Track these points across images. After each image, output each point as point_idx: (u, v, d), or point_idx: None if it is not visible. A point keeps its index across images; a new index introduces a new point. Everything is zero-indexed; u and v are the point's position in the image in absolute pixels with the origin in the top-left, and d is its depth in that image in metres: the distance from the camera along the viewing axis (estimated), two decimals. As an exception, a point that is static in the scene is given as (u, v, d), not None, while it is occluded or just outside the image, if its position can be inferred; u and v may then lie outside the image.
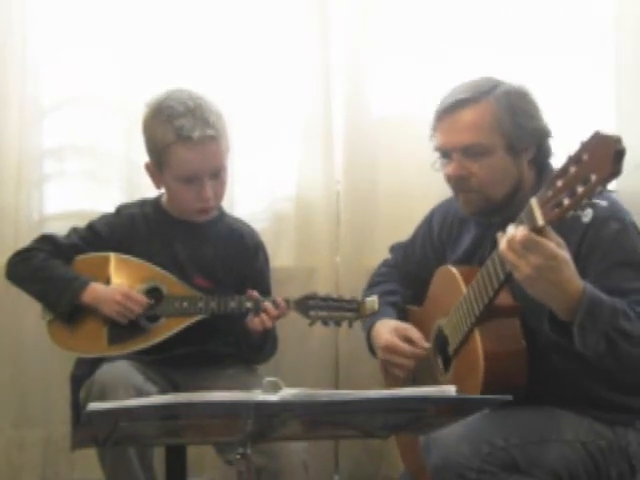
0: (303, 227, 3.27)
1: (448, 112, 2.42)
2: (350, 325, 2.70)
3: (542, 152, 2.44)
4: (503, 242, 2.10)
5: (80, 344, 2.72)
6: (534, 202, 2.04)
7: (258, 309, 2.66)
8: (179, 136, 2.62)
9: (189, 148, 2.63)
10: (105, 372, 2.54)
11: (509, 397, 1.89)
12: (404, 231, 2.99)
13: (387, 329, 2.62)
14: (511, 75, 3.02)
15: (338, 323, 2.69)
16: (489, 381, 2.29)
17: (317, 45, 3.23)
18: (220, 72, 3.21)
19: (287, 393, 1.72)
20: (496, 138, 2.38)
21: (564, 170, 1.96)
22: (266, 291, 2.79)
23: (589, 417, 2.33)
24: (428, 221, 2.75)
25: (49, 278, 2.72)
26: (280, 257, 3.19)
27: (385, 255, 2.96)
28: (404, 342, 2.57)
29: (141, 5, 3.21)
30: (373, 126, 3.25)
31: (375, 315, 2.67)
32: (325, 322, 2.69)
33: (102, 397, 2.44)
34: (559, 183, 1.97)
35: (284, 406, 1.72)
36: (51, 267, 2.73)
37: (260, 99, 3.24)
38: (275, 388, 1.73)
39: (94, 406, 1.69)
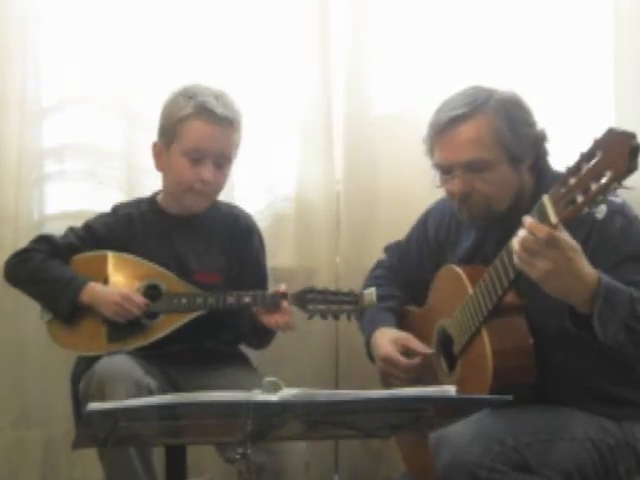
0: (303, 227, 3.26)
1: (445, 129, 2.38)
2: (349, 318, 2.70)
3: (540, 156, 2.43)
4: (516, 243, 2.08)
5: (79, 342, 2.72)
6: (547, 199, 2.03)
7: (256, 304, 2.66)
8: (200, 108, 2.67)
9: (206, 122, 2.68)
10: (104, 365, 2.54)
11: (509, 397, 1.90)
12: (404, 231, 2.99)
13: (387, 339, 2.61)
14: (510, 74, 3.04)
15: (336, 316, 2.69)
16: (498, 379, 2.29)
17: (317, 44, 3.23)
18: (219, 71, 3.20)
19: (287, 393, 1.72)
20: (497, 151, 2.36)
21: (577, 167, 1.95)
22: (263, 277, 2.82)
23: (597, 415, 2.33)
24: (423, 223, 2.74)
25: (47, 279, 2.72)
26: (280, 257, 3.19)
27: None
28: (403, 354, 2.56)
29: (141, 5, 3.21)
30: (373, 126, 3.25)
31: (374, 323, 2.66)
32: (323, 315, 2.69)
33: (101, 389, 2.45)
34: (572, 180, 1.95)
35: (284, 406, 1.73)
36: (49, 268, 2.73)
37: (260, 99, 3.24)
38: (275, 388, 1.73)
39: (94, 406, 1.69)
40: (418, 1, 3.21)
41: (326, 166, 3.26)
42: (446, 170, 2.42)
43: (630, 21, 3.15)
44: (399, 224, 3.19)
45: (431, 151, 2.45)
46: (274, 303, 2.66)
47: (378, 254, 3.06)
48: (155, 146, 2.77)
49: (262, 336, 2.80)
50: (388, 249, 2.88)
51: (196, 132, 2.68)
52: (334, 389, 3.08)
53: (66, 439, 2.79)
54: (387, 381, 2.66)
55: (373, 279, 2.84)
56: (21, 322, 3.18)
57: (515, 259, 2.11)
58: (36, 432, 3.27)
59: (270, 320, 2.67)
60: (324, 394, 1.75)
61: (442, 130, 2.39)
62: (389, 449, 3.14)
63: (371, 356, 2.70)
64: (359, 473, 3.29)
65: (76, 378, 2.67)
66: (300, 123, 3.26)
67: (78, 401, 2.61)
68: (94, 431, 1.80)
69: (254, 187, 3.28)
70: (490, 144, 2.36)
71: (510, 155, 2.37)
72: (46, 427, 3.25)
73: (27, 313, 3.05)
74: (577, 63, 3.15)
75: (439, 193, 3.17)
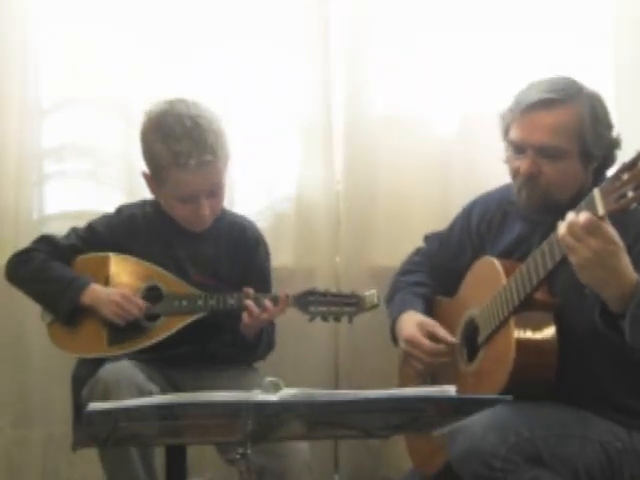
0: (303, 227, 3.26)
1: (532, 109, 2.37)
2: (350, 320, 2.70)
3: (607, 162, 2.42)
4: (563, 226, 2.11)
5: (80, 345, 2.72)
6: (597, 192, 2.07)
7: (258, 305, 2.65)
8: (176, 162, 2.61)
9: (186, 172, 2.62)
10: (108, 371, 2.54)
11: (509, 397, 1.90)
12: (404, 231, 3.00)
13: (413, 322, 2.60)
14: (510, 75, 3.04)
15: (338, 318, 2.69)
16: (517, 371, 2.30)
17: (317, 45, 3.22)
18: (220, 72, 3.21)
19: (287, 393, 1.73)
20: (574, 143, 2.37)
21: (632, 164, 1.99)
22: (267, 287, 2.80)
23: (608, 420, 2.34)
24: (467, 213, 2.72)
25: (49, 279, 2.72)
26: (280, 257, 3.18)
27: (384, 256, 2.95)
28: (428, 338, 2.55)
29: (141, 6, 3.21)
30: (373, 126, 3.24)
31: (402, 306, 2.66)
32: (325, 317, 2.68)
33: (105, 396, 2.44)
34: (625, 176, 2.00)
35: (284, 406, 1.73)
36: (50, 268, 2.73)
37: (260, 99, 3.24)
38: (275, 388, 1.73)
39: (94, 406, 1.69)
40: (418, 2, 3.21)
41: (326, 166, 3.25)
42: (520, 149, 2.41)
43: (631, 23, 3.15)
44: (399, 224, 3.20)
45: (508, 126, 2.44)
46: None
47: (378, 253, 3.07)
48: (146, 176, 2.74)
49: (250, 348, 2.78)
50: (428, 238, 2.86)
51: (178, 182, 2.64)
52: (334, 389, 3.08)
53: (66, 439, 2.79)
54: (408, 364, 2.65)
55: (409, 264, 2.83)
56: (22, 322, 3.18)
57: (560, 240, 2.12)
58: (36, 432, 3.27)
59: (246, 318, 2.64)
60: (324, 394, 1.75)
61: (529, 109, 2.38)
62: (389, 449, 3.15)
63: (394, 339, 2.68)
64: (359, 473, 3.29)
65: (77, 379, 2.67)
66: (300, 123, 3.26)
67: (78, 403, 2.61)
68: (94, 431, 1.80)
69: (254, 187, 3.28)
70: (571, 135, 2.36)
71: (584, 151, 2.38)
72: (46, 427, 3.25)
73: (28, 313, 3.05)
74: (578, 64, 3.15)
75: (439, 194, 3.19)
